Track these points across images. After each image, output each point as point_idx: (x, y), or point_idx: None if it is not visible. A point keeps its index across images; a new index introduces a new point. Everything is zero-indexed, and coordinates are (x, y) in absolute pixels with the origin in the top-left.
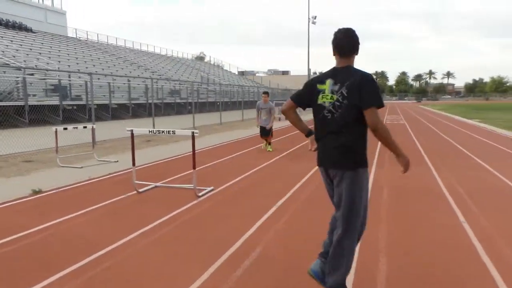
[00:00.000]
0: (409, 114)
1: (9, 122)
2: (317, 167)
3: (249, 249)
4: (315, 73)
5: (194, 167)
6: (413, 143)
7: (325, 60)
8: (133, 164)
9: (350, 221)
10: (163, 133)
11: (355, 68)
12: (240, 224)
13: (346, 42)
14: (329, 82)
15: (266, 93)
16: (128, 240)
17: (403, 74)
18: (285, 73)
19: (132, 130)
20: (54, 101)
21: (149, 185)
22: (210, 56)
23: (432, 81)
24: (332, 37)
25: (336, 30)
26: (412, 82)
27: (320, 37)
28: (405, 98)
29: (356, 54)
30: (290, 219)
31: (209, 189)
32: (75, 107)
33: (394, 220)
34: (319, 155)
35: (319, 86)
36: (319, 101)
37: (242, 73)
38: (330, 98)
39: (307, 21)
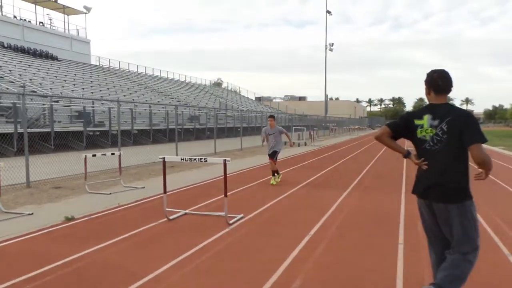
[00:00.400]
0: None
1: (35, 148)
2: (345, 194)
3: (289, 281)
4: (331, 98)
5: (225, 195)
6: None
7: (340, 86)
8: (164, 191)
9: (468, 247)
10: (195, 160)
11: (453, 105)
12: (276, 254)
13: (442, 82)
14: (427, 117)
15: (272, 116)
16: (165, 270)
17: (421, 100)
18: (302, 98)
19: (164, 158)
20: (78, 127)
21: (179, 212)
22: (228, 82)
23: None
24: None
25: (430, 71)
26: None
27: (337, 63)
28: None
29: (449, 92)
30: (326, 249)
31: (239, 216)
32: (97, 133)
33: None
34: (421, 186)
35: (416, 121)
36: (419, 135)
37: (259, 99)
38: (430, 132)
39: (324, 48)
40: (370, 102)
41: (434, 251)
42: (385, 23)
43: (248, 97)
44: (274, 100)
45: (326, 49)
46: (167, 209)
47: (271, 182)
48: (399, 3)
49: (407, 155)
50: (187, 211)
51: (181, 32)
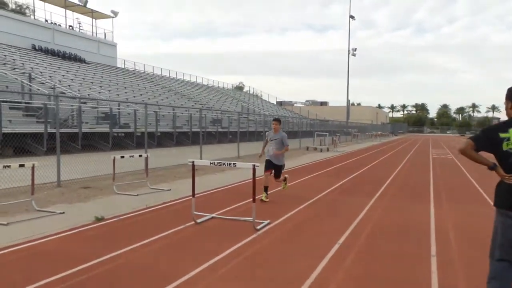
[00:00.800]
0: (455, 148)
1: (64, 148)
2: (371, 202)
3: None
4: (353, 104)
5: (253, 200)
6: (467, 181)
7: (362, 91)
8: (193, 195)
9: None
10: (224, 165)
11: None
12: (306, 262)
13: None
14: None
15: (277, 120)
16: (197, 274)
17: (445, 106)
18: (323, 103)
19: (193, 162)
20: (105, 128)
21: (206, 216)
22: (249, 86)
23: (476, 114)
24: (505, 92)
25: (510, 86)
26: (454, 115)
27: (359, 68)
28: (448, 132)
29: None
30: (356, 259)
31: (265, 222)
32: (123, 134)
33: None
34: (508, 198)
35: (502, 135)
36: (505, 148)
37: (280, 103)
38: None
39: (346, 53)
40: (392, 108)
41: (505, 278)
42: (408, 27)
43: (269, 101)
44: (295, 105)
45: (348, 54)
46: (195, 212)
47: (261, 198)
48: (423, 8)
49: (493, 167)
50: (214, 215)
51: (203, 36)
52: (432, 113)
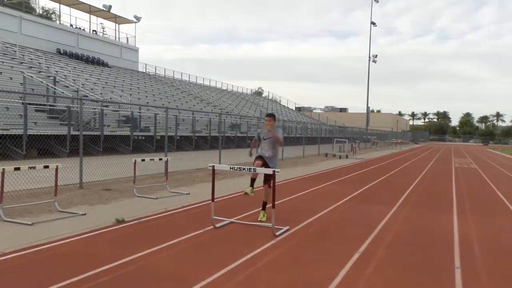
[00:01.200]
0: (478, 158)
1: (86, 150)
2: (392, 210)
3: None
4: (373, 111)
5: (273, 206)
6: (493, 192)
7: (382, 98)
8: (212, 199)
9: None
10: (244, 170)
11: None
12: (326, 270)
13: None
14: None
15: (271, 115)
16: (216, 279)
17: (468, 115)
18: (342, 110)
19: (213, 166)
20: (125, 131)
21: (225, 220)
22: (268, 91)
23: (500, 123)
24: None
25: None
26: (477, 124)
27: (379, 75)
28: (470, 141)
29: None
30: (377, 268)
31: (285, 228)
32: (143, 138)
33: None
34: None
35: None
36: None
37: (299, 109)
38: None
39: (367, 59)
40: (413, 115)
41: None
42: (431, 34)
43: (288, 107)
44: (314, 111)
45: (369, 60)
46: (214, 217)
47: (245, 191)
48: (447, 14)
49: None
50: (233, 219)
51: (224, 41)
52: (454, 122)
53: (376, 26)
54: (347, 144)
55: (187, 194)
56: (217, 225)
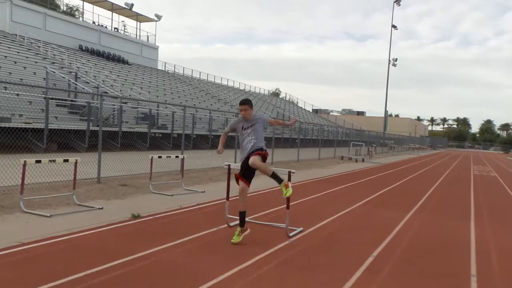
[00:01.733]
0: (499, 166)
1: (104, 145)
2: (408, 216)
3: None
4: (391, 115)
5: (287, 207)
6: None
7: (401, 102)
8: (227, 198)
9: None
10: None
11: None
12: (338, 273)
13: None
14: None
15: (246, 102)
16: (228, 277)
17: (489, 122)
18: (360, 113)
19: (229, 165)
20: (143, 128)
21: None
22: (285, 92)
23: None
24: None
25: None
26: (498, 132)
27: (398, 79)
28: (490, 148)
29: None
30: (391, 274)
31: (298, 229)
32: (160, 135)
33: None
34: None
35: None
36: None
37: (316, 111)
38: None
39: (386, 63)
40: (432, 121)
41: None
42: (452, 39)
43: (305, 109)
44: (331, 113)
45: (389, 64)
46: (228, 215)
47: (232, 240)
48: (470, 19)
49: None
50: (247, 219)
51: (242, 42)
52: (475, 128)
53: (397, 29)
54: (363, 148)
55: (202, 192)
56: (231, 224)
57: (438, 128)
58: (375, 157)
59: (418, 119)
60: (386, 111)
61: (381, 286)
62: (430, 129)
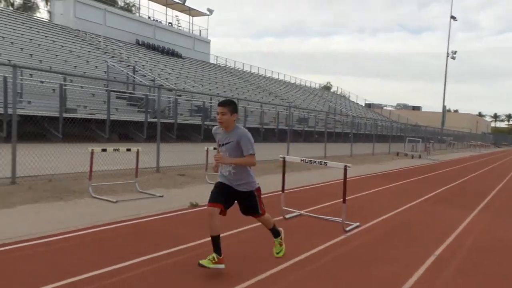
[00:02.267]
0: None
1: (160, 137)
2: (472, 215)
3: None
4: (449, 110)
5: (344, 201)
6: None
7: (460, 97)
8: (283, 190)
9: None
10: (314, 163)
11: None
12: (398, 269)
13: None
14: None
15: (226, 104)
16: (283, 269)
17: None
18: (416, 108)
19: (284, 157)
20: (197, 120)
21: (294, 212)
22: (337, 86)
23: None
24: None
25: None
26: None
27: (457, 73)
28: None
29: None
30: (455, 274)
31: (355, 224)
32: (212, 127)
33: None
34: None
35: None
36: None
37: (368, 106)
38: None
39: (444, 56)
40: (495, 117)
41: None
42: None
43: (357, 103)
44: (385, 108)
45: (447, 56)
46: (283, 207)
47: (201, 262)
48: None
49: None
50: (302, 212)
51: (293, 35)
52: None
53: (456, 20)
54: (420, 144)
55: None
56: (287, 216)
57: (502, 124)
58: (432, 153)
59: (480, 115)
60: (444, 106)
61: (445, 285)
62: (494, 125)
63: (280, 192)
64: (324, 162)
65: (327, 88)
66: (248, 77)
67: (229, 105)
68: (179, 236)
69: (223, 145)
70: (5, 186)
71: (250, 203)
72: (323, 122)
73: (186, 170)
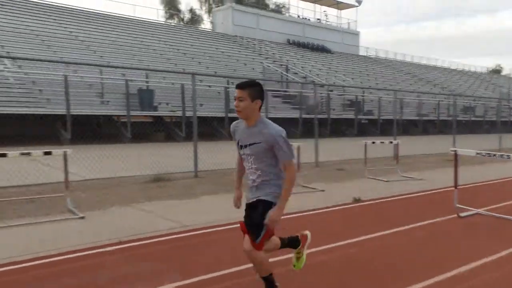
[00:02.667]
0: None
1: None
2: None
3: None
4: None
5: None
6: None
7: None
8: (455, 186)
9: None
10: (494, 156)
11: None
12: None
13: None
14: None
15: (245, 85)
16: (463, 273)
17: None
18: None
19: (456, 151)
20: (350, 115)
21: (470, 210)
22: (510, 69)
23: None
24: None
25: None
26: None
27: None
28: None
29: None
30: None
31: None
32: (366, 121)
33: None
34: None
35: None
36: None
37: None
38: None
39: None
40: None
41: None
42: None
43: None
44: None
45: None
46: (457, 205)
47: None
48: None
49: None
50: (480, 210)
51: (451, 16)
52: None
53: None
54: None
55: (420, 179)
56: (461, 214)
57: None
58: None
59: None
60: None
61: None
62: None
63: (452, 188)
64: (507, 155)
65: (496, 71)
66: (401, 66)
67: (250, 86)
68: (343, 232)
69: (245, 146)
70: (189, 179)
71: (261, 228)
72: (493, 110)
73: (343, 164)
